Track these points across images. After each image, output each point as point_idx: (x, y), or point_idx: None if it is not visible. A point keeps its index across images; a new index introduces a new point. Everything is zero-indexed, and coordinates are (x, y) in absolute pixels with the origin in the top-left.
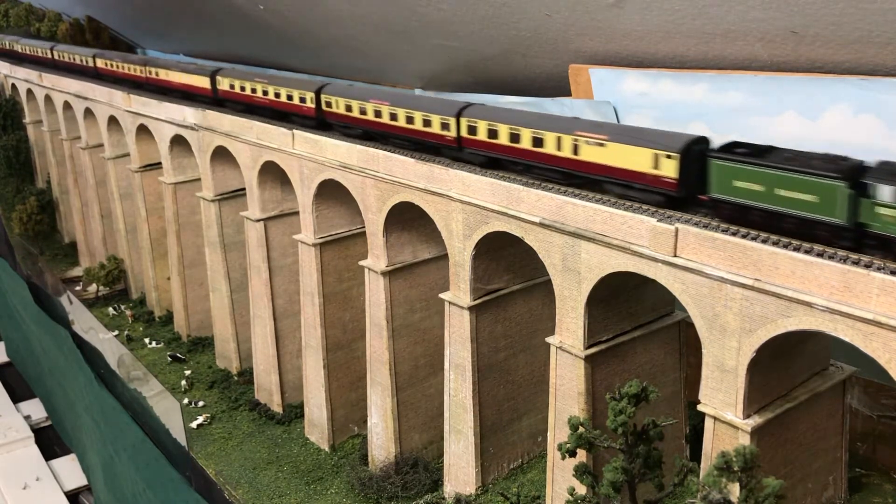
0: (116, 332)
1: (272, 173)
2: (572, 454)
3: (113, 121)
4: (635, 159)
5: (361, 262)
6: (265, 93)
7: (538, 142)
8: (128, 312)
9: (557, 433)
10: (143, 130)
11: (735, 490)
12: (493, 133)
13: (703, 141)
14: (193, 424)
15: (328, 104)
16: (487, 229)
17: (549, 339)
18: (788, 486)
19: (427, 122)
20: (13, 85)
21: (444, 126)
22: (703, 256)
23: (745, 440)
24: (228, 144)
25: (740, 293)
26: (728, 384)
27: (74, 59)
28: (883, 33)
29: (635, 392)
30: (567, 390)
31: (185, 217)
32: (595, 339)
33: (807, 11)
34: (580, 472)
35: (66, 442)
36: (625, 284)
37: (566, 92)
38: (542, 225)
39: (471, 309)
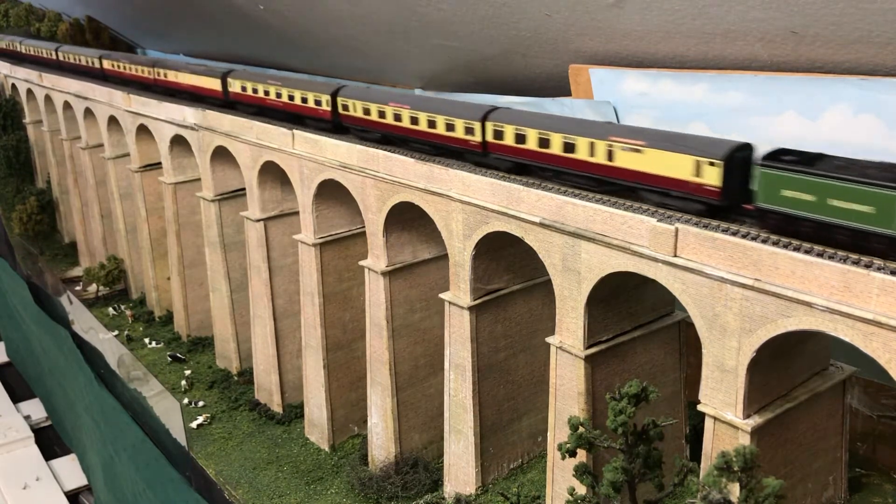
0: (116, 332)
1: (272, 173)
2: (572, 454)
3: (113, 121)
4: (675, 166)
5: (361, 262)
6: (278, 95)
7: (569, 147)
8: (128, 312)
9: (557, 433)
10: (143, 130)
11: (735, 490)
12: (520, 138)
13: (747, 147)
14: (193, 424)
15: (345, 107)
16: (487, 229)
17: (549, 339)
18: (788, 486)
19: (450, 127)
20: (13, 85)
21: (469, 130)
22: (703, 256)
23: (745, 440)
24: (228, 144)
25: (740, 293)
26: (728, 384)
27: (80, 61)
28: (883, 33)
29: (635, 392)
30: (567, 390)
31: (185, 217)
32: (595, 339)
33: (807, 11)
34: (580, 472)
35: (66, 442)
36: (625, 284)
37: (566, 92)
38: (542, 225)
39: (471, 309)
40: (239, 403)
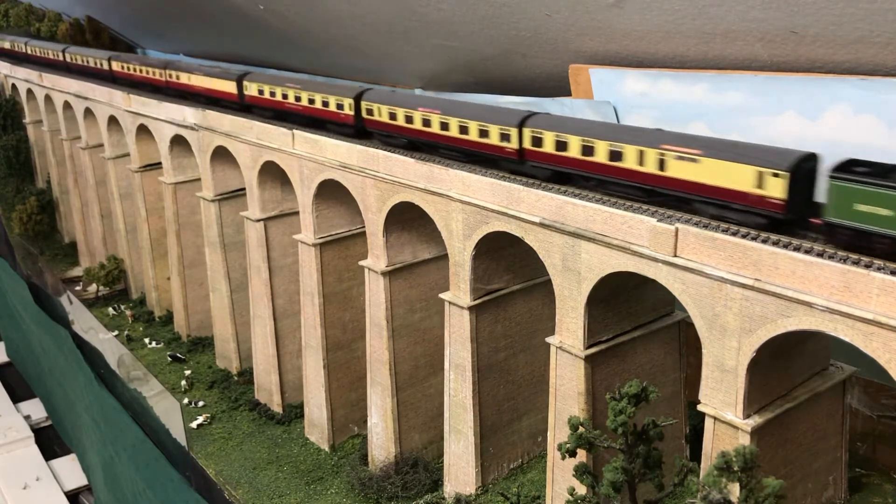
0: (116, 332)
1: (272, 173)
2: (572, 454)
3: (113, 121)
4: (735, 177)
5: (361, 262)
6: (298, 98)
7: (616, 155)
8: (128, 312)
9: (557, 433)
10: (143, 130)
11: (735, 490)
12: (561, 145)
13: (813, 157)
14: (193, 424)
15: (369, 111)
16: (487, 229)
17: (549, 339)
18: (788, 486)
19: (483, 133)
20: (13, 85)
21: (504, 137)
22: (703, 256)
23: (745, 440)
24: (228, 144)
25: (740, 293)
26: (728, 384)
27: (88, 62)
28: (883, 33)
29: (635, 392)
30: (567, 390)
31: (185, 217)
32: (595, 339)
33: (807, 11)
34: (580, 472)
35: (66, 442)
36: (625, 284)
37: (566, 92)
38: (542, 225)
39: (471, 309)
40: (239, 403)
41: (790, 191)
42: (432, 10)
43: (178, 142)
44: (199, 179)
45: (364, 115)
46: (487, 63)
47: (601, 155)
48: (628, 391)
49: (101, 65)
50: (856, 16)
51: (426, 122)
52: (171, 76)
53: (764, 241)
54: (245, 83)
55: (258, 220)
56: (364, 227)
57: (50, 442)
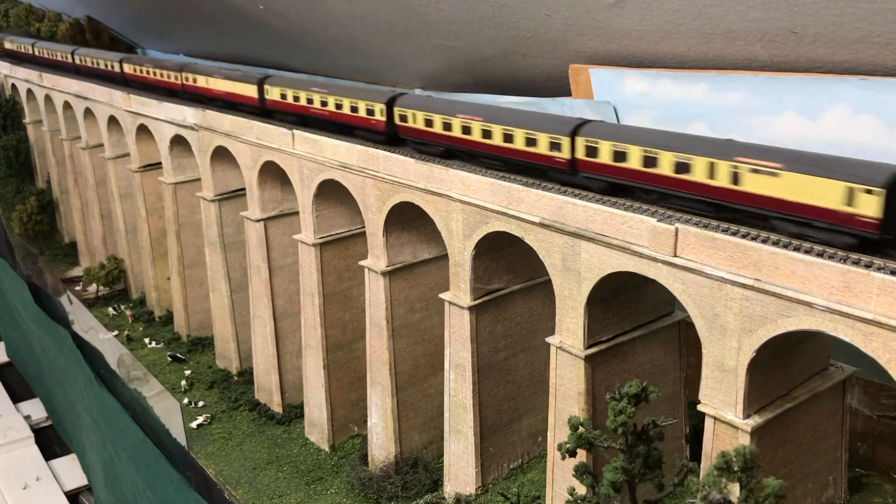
0: (116, 332)
1: (272, 173)
2: (572, 454)
3: (113, 121)
4: (821, 193)
5: (361, 262)
6: (324, 103)
7: (682, 167)
8: (128, 312)
9: (557, 433)
10: (143, 130)
11: (735, 490)
12: (619, 156)
13: None
14: (193, 424)
15: (402, 117)
16: (487, 229)
17: (549, 339)
18: (788, 486)
19: (531, 142)
20: (13, 85)
21: (554, 146)
22: (704, 256)
23: (745, 440)
24: (228, 144)
25: (740, 293)
26: (728, 384)
27: (98, 64)
28: (883, 33)
29: (635, 392)
30: (567, 390)
31: (185, 217)
32: (595, 339)
33: (807, 11)
34: (580, 472)
35: (66, 442)
36: (625, 284)
37: (566, 92)
38: (542, 225)
39: (471, 309)
40: (239, 403)
41: (886, 209)
42: (432, 10)
43: (178, 142)
44: (199, 179)
45: (397, 121)
46: (487, 63)
47: (665, 167)
48: (628, 391)
49: (113, 67)
50: (856, 16)
51: (466, 130)
52: (187, 79)
53: (764, 242)
54: (266, 87)
55: (258, 220)
56: (364, 227)
57: (50, 442)
